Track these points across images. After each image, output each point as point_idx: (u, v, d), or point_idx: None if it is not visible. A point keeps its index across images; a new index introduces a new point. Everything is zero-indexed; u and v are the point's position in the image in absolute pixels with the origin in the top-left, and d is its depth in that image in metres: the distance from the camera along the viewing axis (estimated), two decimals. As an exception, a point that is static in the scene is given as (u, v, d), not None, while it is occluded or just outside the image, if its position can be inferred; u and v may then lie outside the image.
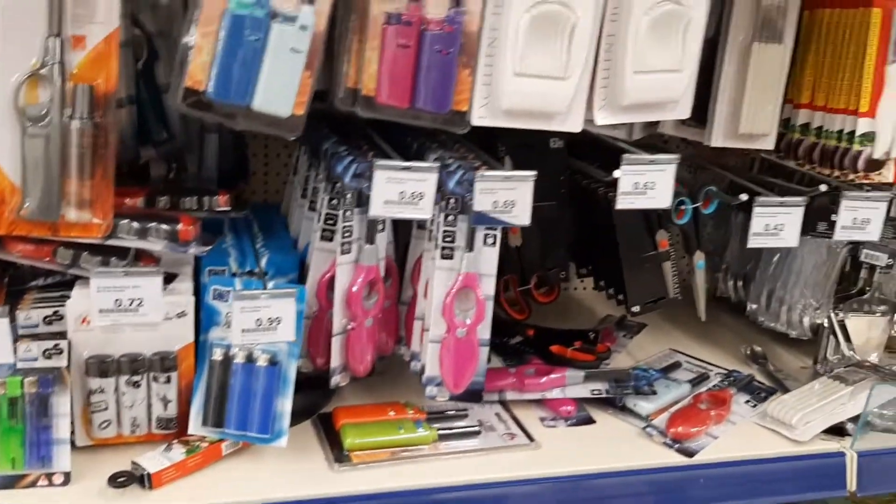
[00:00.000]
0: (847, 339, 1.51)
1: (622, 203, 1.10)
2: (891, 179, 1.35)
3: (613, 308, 1.63)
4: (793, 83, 1.42)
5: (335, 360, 1.19)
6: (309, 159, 1.31)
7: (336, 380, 1.21)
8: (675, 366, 1.50)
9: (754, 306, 1.54)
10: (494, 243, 1.17)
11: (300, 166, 1.35)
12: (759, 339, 1.62)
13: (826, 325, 1.50)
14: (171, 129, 1.26)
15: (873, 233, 1.25)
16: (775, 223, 1.19)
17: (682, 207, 1.31)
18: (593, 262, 1.57)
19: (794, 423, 1.32)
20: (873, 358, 1.51)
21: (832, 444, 1.30)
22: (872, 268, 1.52)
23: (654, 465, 1.21)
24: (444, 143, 1.23)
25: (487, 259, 1.17)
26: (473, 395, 1.23)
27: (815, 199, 1.36)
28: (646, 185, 1.10)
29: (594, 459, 1.20)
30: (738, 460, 1.25)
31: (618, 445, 1.26)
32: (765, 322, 1.53)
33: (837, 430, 1.33)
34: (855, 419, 1.34)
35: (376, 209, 1.01)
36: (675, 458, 1.24)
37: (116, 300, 0.98)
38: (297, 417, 1.22)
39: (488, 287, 1.18)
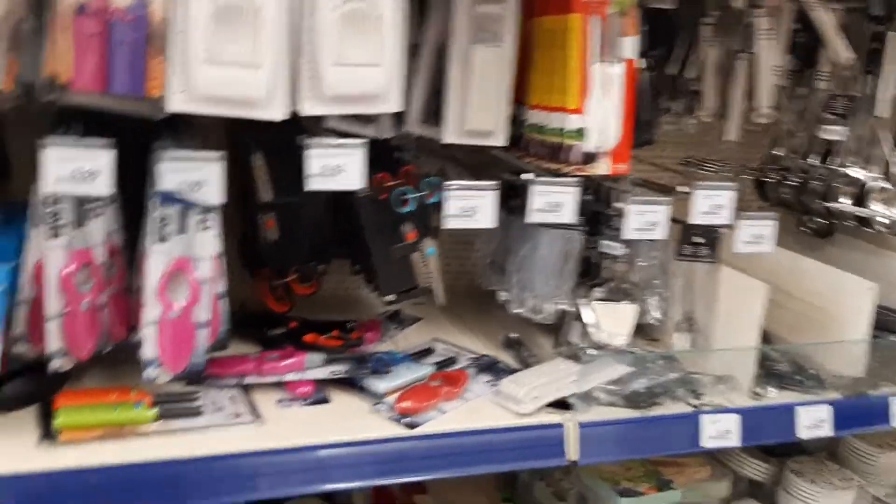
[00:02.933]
0: (595, 325, 1.62)
1: (314, 184, 1.17)
2: (607, 172, 1.46)
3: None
4: (526, 85, 1.54)
5: (53, 345, 1.20)
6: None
7: (56, 363, 1.22)
8: (428, 351, 1.57)
9: (505, 294, 1.63)
10: (208, 228, 1.23)
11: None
12: (522, 327, 1.71)
13: (569, 310, 1.60)
14: None
15: (566, 215, 1.35)
16: (470, 205, 1.28)
17: (405, 197, 1.39)
18: (353, 255, 1.63)
19: (520, 397, 1.40)
20: (618, 342, 1.61)
21: (553, 417, 1.39)
22: (613, 257, 1.64)
23: (373, 437, 1.27)
24: (185, 140, 1.29)
25: (202, 242, 1.22)
26: (194, 375, 1.26)
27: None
28: (335, 167, 1.17)
29: (314, 433, 1.25)
30: (459, 431, 1.32)
31: (345, 421, 1.31)
32: (514, 309, 1.62)
33: (564, 405, 1.42)
34: (582, 395, 1.44)
35: (49, 186, 1.05)
36: (397, 431, 1.30)
37: None
38: (18, 403, 1.24)
39: (203, 270, 1.23)
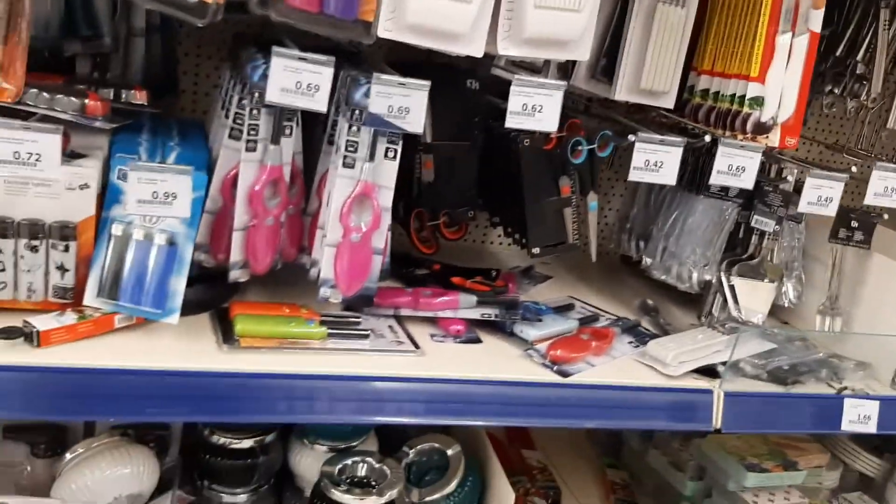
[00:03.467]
0: (735, 299, 1.61)
1: (510, 122, 1.18)
2: (776, 145, 1.45)
3: (524, 261, 1.72)
4: (697, 51, 1.52)
5: (235, 256, 1.25)
6: (231, 74, 1.37)
7: (235, 274, 1.26)
8: (569, 307, 1.58)
9: (649, 261, 1.63)
10: (395, 157, 1.25)
11: (223, 82, 1.41)
12: (655, 295, 1.71)
13: (714, 281, 1.60)
14: (98, 28, 1.31)
15: (748, 181, 1.34)
16: (655, 159, 1.28)
17: (579, 148, 1.39)
18: (499, 205, 1.64)
19: (668, 361, 1.41)
20: (756, 319, 1.60)
21: (702, 382, 1.39)
22: (763, 234, 1.62)
23: (528, 379, 1.29)
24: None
25: (387, 171, 1.25)
26: (365, 300, 1.29)
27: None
28: (534, 107, 1.17)
29: (472, 369, 1.28)
30: (611, 385, 1.33)
31: (498, 362, 1.33)
32: (657, 275, 1.62)
33: (710, 373, 1.42)
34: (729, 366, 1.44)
35: (272, 96, 1.07)
36: (550, 377, 1.32)
37: (15, 152, 1.02)
38: (196, 308, 1.28)
39: (385, 198, 1.25)
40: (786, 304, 1.66)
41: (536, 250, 1.55)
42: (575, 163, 1.40)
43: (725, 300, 1.60)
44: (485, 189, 1.62)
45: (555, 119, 1.20)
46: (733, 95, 1.44)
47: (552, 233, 1.55)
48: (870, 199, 1.40)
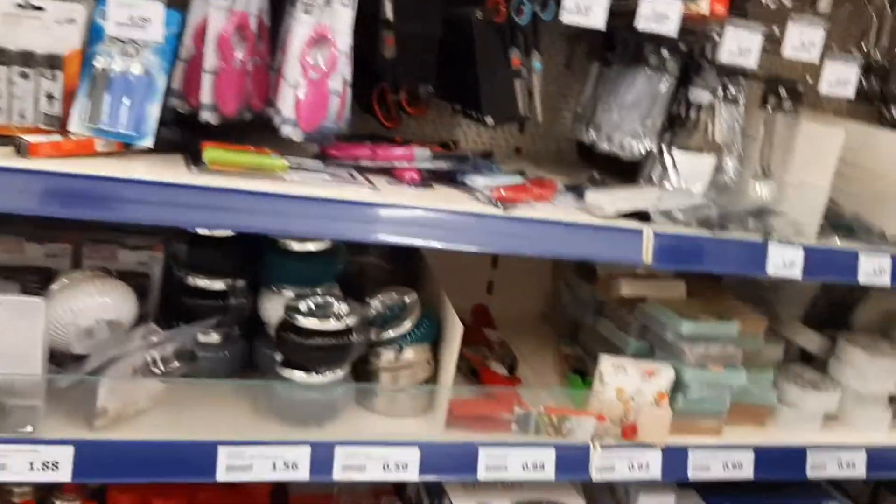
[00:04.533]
0: (675, 168, 1.74)
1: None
2: (707, 13, 1.56)
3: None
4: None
5: (205, 98, 1.39)
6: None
7: (206, 115, 1.40)
8: (520, 173, 1.71)
9: (594, 134, 1.76)
10: (347, 6, 1.39)
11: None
12: (606, 177, 1.84)
13: (653, 150, 1.72)
14: None
15: (671, 28, 1.46)
16: (584, 4, 1.41)
17: (522, 7, 1.53)
18: (457, 84, 1.77)
19: (604, 205, 1.54)
20: (695, 189, 1.72)
21: (633, 223, 1.52)
22: (700, 108, 1.75)
23: (473, 210, 1.42)
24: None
25: (342, 17, 1.39)
26: (325, 138, 1.43)
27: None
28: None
29: (421, 202, 1.41)
30: (550, 220, 1.46)
31: (448, 201, 1.46)
32: (601, 146, 1.75)
33: (643, 217, 1.55)
34: (663, 211, 1.57)
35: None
36: (492, 210, 1.45)
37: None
38: (169, 146, 1.42)
39: (342, 42, 1.39)
40: (726, 181, 1.79)
41: (490, 120, 1.68)
42: (520, 23, 1.54)
43: (665, 170, 1.73)
44: (443, 68, 1.75)
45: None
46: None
47: (505, 104, 1.69)
48: (787, 53, 1.52)
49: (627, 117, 1.72)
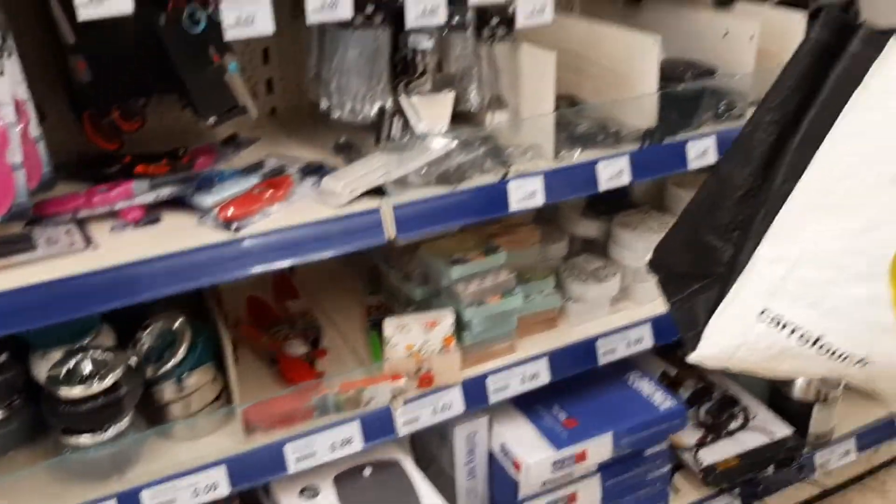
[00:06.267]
0: (416, 117, 1.73)
1: (84, 14, 1.22)
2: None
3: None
4: None
5: None
6: None
7: None
8: (258, 165, 1.68)
9: (325, 102, 1.72)
10: (2, 74, 1.28)
11: None
12: (354, 133, 1.82)
13: (389, 107, 1.71)
14: None
15: (344, 11, 1.42)
16: (247, 14, 1.34)
17: (197, 17, 1.45)
18: (170, 86, 1.69)
19: (339, 191, 1.54)
20: (438, 129, 1.73)
21: (370, 203, 1.53)
22: (424, 52, 1.72)
23: (197, 245, 1.41)
24: None
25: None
26: (21, 215, 1.36)
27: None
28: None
29: (143, 250, 1.38)
30: (280, 228, 1.46)
31: (174, 236, 1.43)
32: (336, 114, 1.72)
33: (380, 192, 1.57)
34: (398, 181, 1.59)
35: None
36: (222, 236, 1.44)
37: None
38: None
39: (6, 114, 1.30)
40: (472, 109, 1.80)
41: (212, 120, 1.62)
42: (198, 31, 1.46)
43: (406, 121, 1.72)
44: (157, 73, 1.66)
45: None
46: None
47: (220, 100, 1.62)
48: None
49: (352, 80, 1.68)
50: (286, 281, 2.08)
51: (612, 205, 2.11)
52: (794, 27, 1.88)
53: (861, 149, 1.13)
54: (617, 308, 1.99)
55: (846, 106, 1.14)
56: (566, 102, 1.87)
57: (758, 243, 1.20)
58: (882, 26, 1.15)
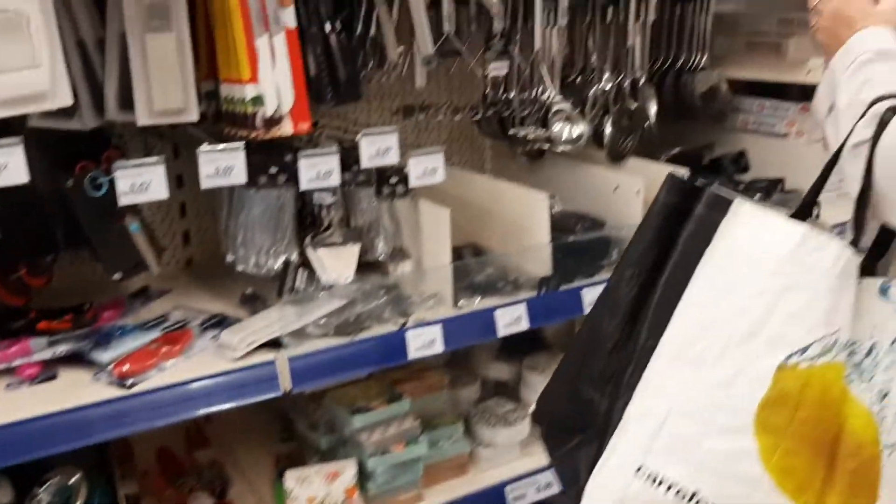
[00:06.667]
0: (322, 269, 1.79)
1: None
2: (291, 132, 1.62)
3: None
4: (217, 62, 1.67)
5: None
6: None
7: None
8: (162, 319, 1.71)
9: (232, 256, 1.78)
10: None
11: None
12: (263, 284, 1.87)
13: (294, 260, 1.77)
14: None
15: (238, 177, 1.51)
16: (142, 181, 1.42)
17: (99, 182, 1.52)
18: (78, 242, 1.74)
19: (235, 344, 1.57)
20: (343, 280, 1.79)
21: (265, 356, 1.57)
22: (329, 207, 1.81)
23: (91, 401, 1.42)
24: None
25: None
26: None
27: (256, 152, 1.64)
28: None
29: (34, 408, 1.38)
30: (173, 384, 1.48)
31: (68, 393, 1.44)
32: (241, 268, 1.78)
33: (277, 344, 1.60)
34: (296, 332, 1.63)
35: None
36: (114, 392, 1.45)
37: None
38: None
39: None
40: (380, 258, 1.87)
41: (117, 276, 1.67)
42: (99, 195, 1.53)
43: (311, 273, 1.78)
44: (60, 231, 1.71)
45: (22, 172, 1.32)
46: (242, 98, 1.61)
47: (126, 257, 1.68)
48: (365, 163, 1.61)
49: (257, 235, 1.75)
50: (198, 429, 2.07)
51: (525, 346, 2.16)
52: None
53: (714, 308, 1.20)
54: (527, 451, 2.00)
55: (698, 266, 1.22)
56: (471, 251, 1.96)
57: (629, 398, 1.24)
58: (724, 191, 1.25)
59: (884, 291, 1.14)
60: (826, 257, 1.14)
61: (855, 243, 1.14)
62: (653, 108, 2.19)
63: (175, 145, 1.94)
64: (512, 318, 1.78)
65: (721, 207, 1.23)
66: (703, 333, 1.20)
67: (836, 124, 1.24)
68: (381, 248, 1.85)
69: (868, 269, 1.23)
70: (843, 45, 1.30)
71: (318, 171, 1.56)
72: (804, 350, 1.13)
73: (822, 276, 1.14)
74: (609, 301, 1.30)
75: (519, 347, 2.15)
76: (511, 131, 2.00)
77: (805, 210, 1.27)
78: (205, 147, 1.47)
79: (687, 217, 1.25)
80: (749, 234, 1.18)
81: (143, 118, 1.59)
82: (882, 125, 1.11)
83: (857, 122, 1.16)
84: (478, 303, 1.78)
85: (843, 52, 1.29)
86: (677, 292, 1.22)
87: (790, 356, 1.14)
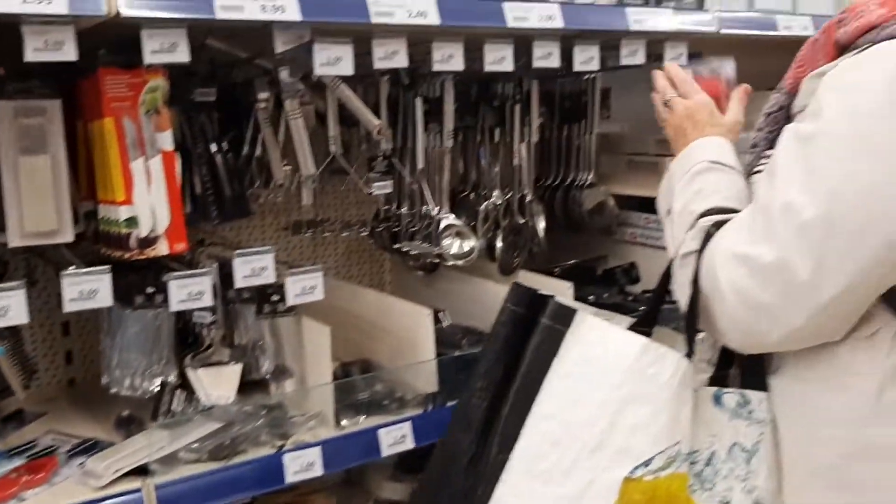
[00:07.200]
0: (202, 389, 1.76)
1: None
2: (167, 252, 1.63)
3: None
4: (97, 181, 1.68)
5: None
6: None
7: None
8: (31, 445, 1.64)
9: (107, 378, 1.74)
10: None
11: None
12: (142, 406, 1.82)
13: (172, 381, 1.74)
14: None
15: (104, 299, 1.49)
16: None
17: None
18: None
19: (100, 472, 1.51)
20: (223, 401, 1.75)
21: (132, 484, 1.51)
22: (209, 325, 1.80)
23: (-69, 540, 1.34)
24: None
25: None
26: None
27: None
28: None
29: None
30: (31, 514, 1.42)
31: None
32: (115, 390, 1.73)
33: (145, 471, 1.55)
34: (166, 458, 1.58)
35: None
36: (-39, 530, 1.37)
37: None
38: None
39: None
40: (265, 377, 1.85)
41: (-16, 402, 1.62)
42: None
43: (190, 394, 1.75)
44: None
45: None
46: (115, 219, 1.61)
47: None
48: (240, 283, 1.62)
49: (133, 356, 1.72)
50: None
51: (422, 464, 2.12)
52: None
53: (562, 420, 1.21)
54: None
55: (545, 377, 1.24)
56: (359, 367, 1.95)
57: (482, 516, 1.23)
58: (567, 302, 1.28)
59: (717, 399, 1.17)
60: (664, 369, 1.17)
61: (689, 355, 1.18)
62: (541, 224, 2.25)
63: (56, 265, 1.92)
64: (397, 437, 1.75)
65: (565, 319, 1.26)
66: (553, 448, 1.21)
67: (671, 228, 1.30)
68: (264, 367, 1.83)
69: (719, 380, 1.27)
70: (688, 145, 1.37)
71: (190, 291, 1.55)
72: (647, 463, 1.14)
73: (662, 388, 1.16)
74: (462, 414, 1.31)
75: (416, 465, 2.10)
76: (396, 246, 2.04)
77: (648, 319, 1.31)
78: (69, 270, 1.46)
79: (534, 327, 1.27)
80: (592, 347, 1.21)
81: (14, 240, 1.58)
82: (707, 238, 1.17)
83: (688, 232, 1.22)
84: (362, 421, 1.76)
85: (684, 155, 1.36)
86: (527, 404, 1.23)
87: (635, 468, 1.15)
